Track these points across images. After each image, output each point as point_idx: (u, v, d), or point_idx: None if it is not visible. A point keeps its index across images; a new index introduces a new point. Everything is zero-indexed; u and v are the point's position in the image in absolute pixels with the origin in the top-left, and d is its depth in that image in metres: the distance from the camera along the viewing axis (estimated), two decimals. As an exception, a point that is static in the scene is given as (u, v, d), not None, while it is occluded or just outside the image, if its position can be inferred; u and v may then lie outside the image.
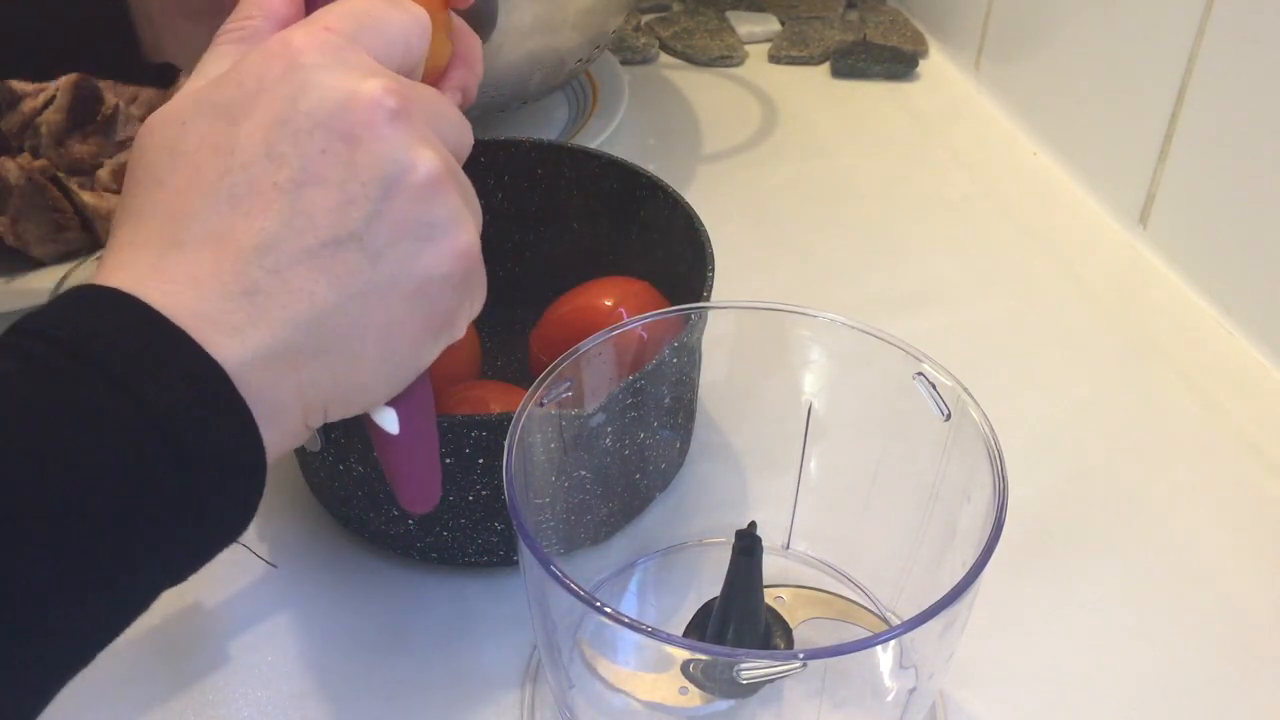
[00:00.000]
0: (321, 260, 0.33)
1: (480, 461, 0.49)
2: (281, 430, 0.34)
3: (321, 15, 0.36)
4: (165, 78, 0.53)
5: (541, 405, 0.46)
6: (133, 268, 0.32)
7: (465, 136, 0.39)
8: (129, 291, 0.31)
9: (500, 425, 0.45)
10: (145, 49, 0.50)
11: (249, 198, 0.33)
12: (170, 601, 0.53)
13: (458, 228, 0.35)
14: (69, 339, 0.30)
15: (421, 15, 0.38)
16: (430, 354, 0.37)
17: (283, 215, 0.33)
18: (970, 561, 0.39)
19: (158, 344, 0.31)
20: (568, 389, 0.47)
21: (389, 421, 0.39)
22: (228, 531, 0.34)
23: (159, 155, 0.34)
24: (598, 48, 0.80)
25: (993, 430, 0.43)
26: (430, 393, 0.41)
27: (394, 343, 0.35)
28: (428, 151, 0.35)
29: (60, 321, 0.31)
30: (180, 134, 0.34)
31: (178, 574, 0.33)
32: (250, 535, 0.56)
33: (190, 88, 0.36)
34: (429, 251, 0.35)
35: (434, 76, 0.44)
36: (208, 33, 0.49)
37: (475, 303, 0.38)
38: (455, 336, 0.38)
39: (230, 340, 0.32)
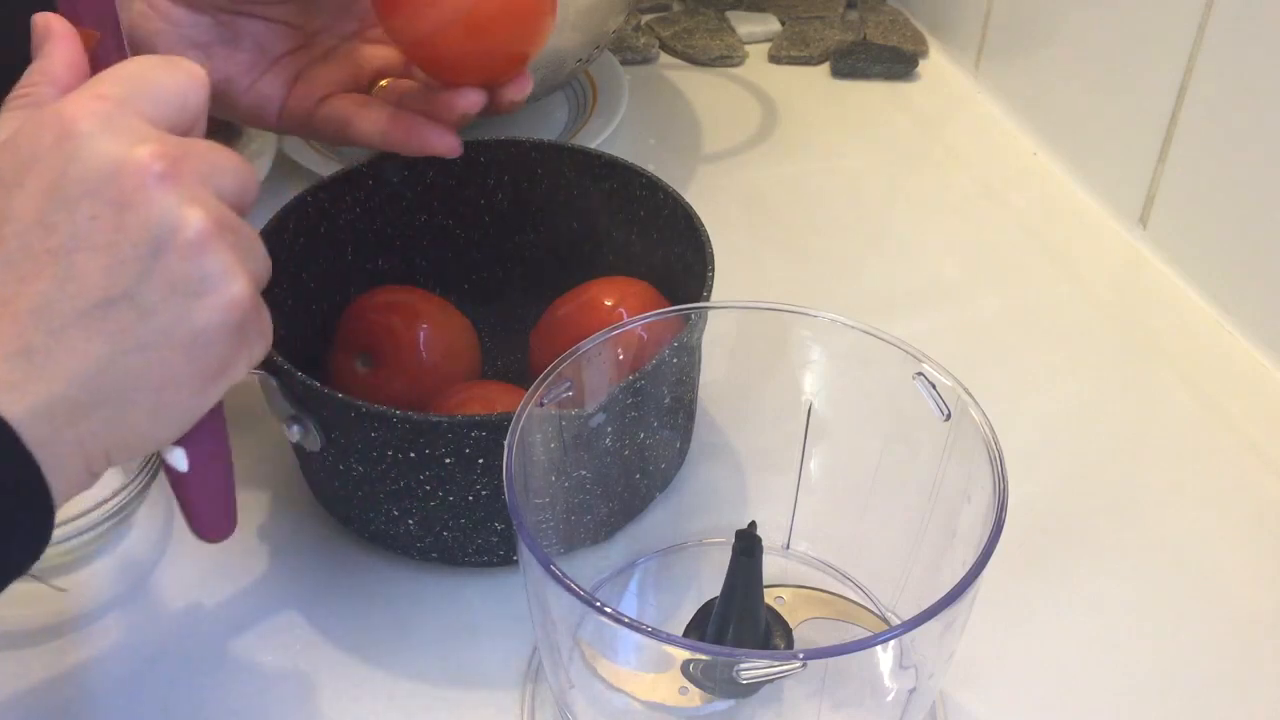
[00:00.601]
0: (95, 320, 0.35)
1: (480, 461, 0.49)
2: (65, 479, 0.35)
3: (95, 82, 0.38)
4: None
5: (541, 405, 0.46)
6: None
7: (248, 185, 0.40)
8: None
9: (500, 425, 0.45)
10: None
11: (24, 263, 0.34)
12: (170, 601, 0.53)
13: (228, 281, 0.37)
14: None
15: (197, 73, 0.40)
16: (209, 399, 0.39)
17: (56, 279, 0.34)
18: (970, 561, 0.39)
19: None
20: (568, 389, 0.47)
21: (178, 460, 0.41)
22: (15, 572, 0.35)
23: None
24: (598, 48, 0.80)
25: (993, 430, 0.43)
26: (221, 430, 0.43)
27: (171, 392, 0.37)
28: (195, 211, 0.36)
29: None
30: None
31: None
32: (250, 534, 0.57)
33: None
34: (200, 305, 0.36)
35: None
36: (217, 63, 0.50)
37: (257, 347, 0.40)
38: (234, 379, 0.39)
39: (8, 397, 0.33)
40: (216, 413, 0.41)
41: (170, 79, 0.39)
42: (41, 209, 0.35)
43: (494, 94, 0.51)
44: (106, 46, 0.41)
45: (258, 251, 0.39)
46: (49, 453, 0.34)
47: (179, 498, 0.43)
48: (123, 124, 0.36)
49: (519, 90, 0.51)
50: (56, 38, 0.40)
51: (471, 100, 0.51)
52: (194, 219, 0.36)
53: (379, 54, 0.53)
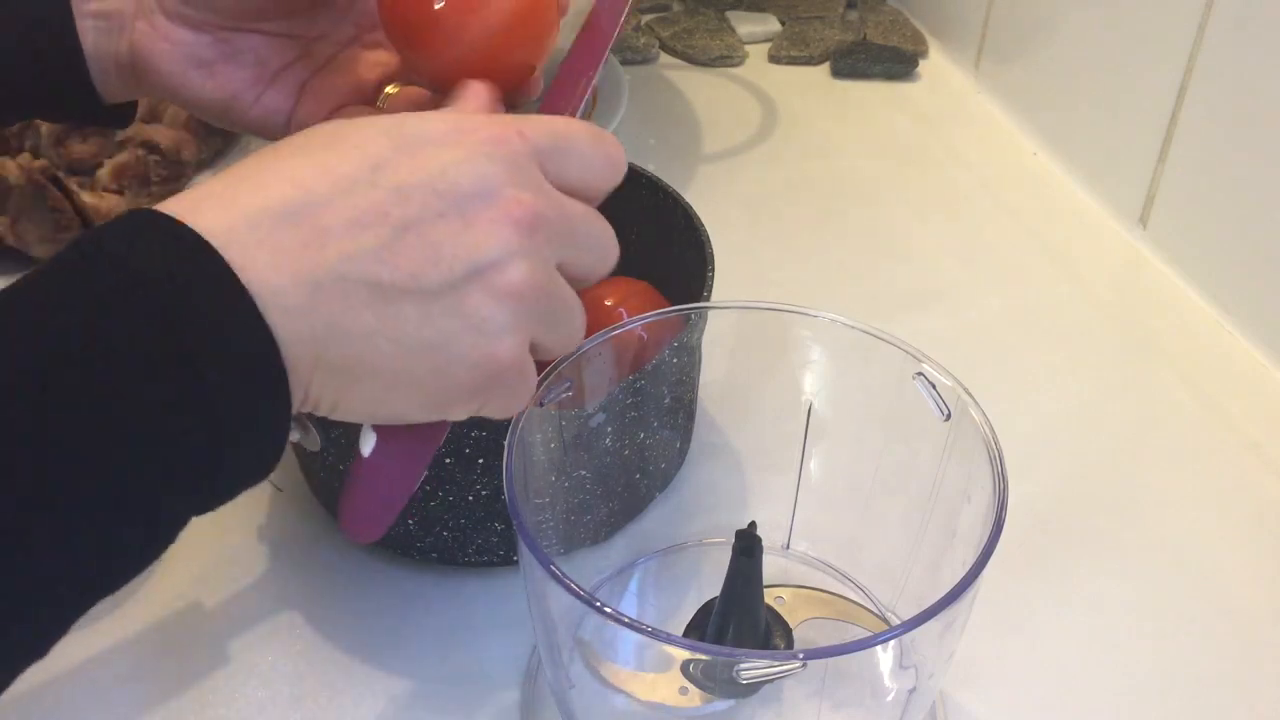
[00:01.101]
0: (381, 295, 0.35)
1: (480, 461, 0.49)
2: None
3: (524, 121, 0.39)
4: (122, 118, 0.54)
5: (541, 405, 0.46)
6: (230, 208, 0.34)
7: (605, 259, 0.41)
8: (213, 237, 0.33)
9: (500, 425, 0.45)
10: (101, 89, 0.51)
11: (364, 210, 0.35)
12: (170, 601, 0.53)
13: (503, 336, 0.37)
14: (151, 280, 0.32)
15: (616, 157, 0.41)
16: (421, 418, 0.39)
17: (379, 241, 0.35)
18: (970, 561, 0.39)
19: (226, 306, 0.33)
20: (568, 389, 0.47)
21: (366, 442, 0.41)
22: (255, 469, 0.36)
23: (320, 134, 0.37)
24: (598, 48, 0.80)
25: (993, 430, 0.43)
26: (428, 449, 0.42)
27: (396, 394, 0.37)
28: (525, 265, 0.37)
29: (145, 258, 0.33)
30: (349, 128, 0.37)
31: (205, 505, 0.35)
32: (250, 534, 0.57)
33: (389, 117, 0.39)
34: (468, 342, 0.37)
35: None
36: (221, 80, 0.50)
37: (496, 406, 0.40)
38: (453, 418, 0.40)
39: (281, 317, 0.34)
40: (429, 433, 0.41)
41: (590, 153, 0.40)
42: (407, 183, 0.36)
43: (506, 102, 0.52)
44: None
45: (564, 326, 0.40)
46: (290, 380, 0.35)
47: (347, 482, 0.42)
48: (521, 166, 0.38)
49: (532, 92, 0.51)
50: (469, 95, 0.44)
51: (535, 87, 0.52)
52: (518, 270, 0.37)
53: (380, 59, 0.53)
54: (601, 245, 0.41)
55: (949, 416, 0.46)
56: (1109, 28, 0.78)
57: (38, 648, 0.32)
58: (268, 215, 0.34)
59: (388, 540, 0.55)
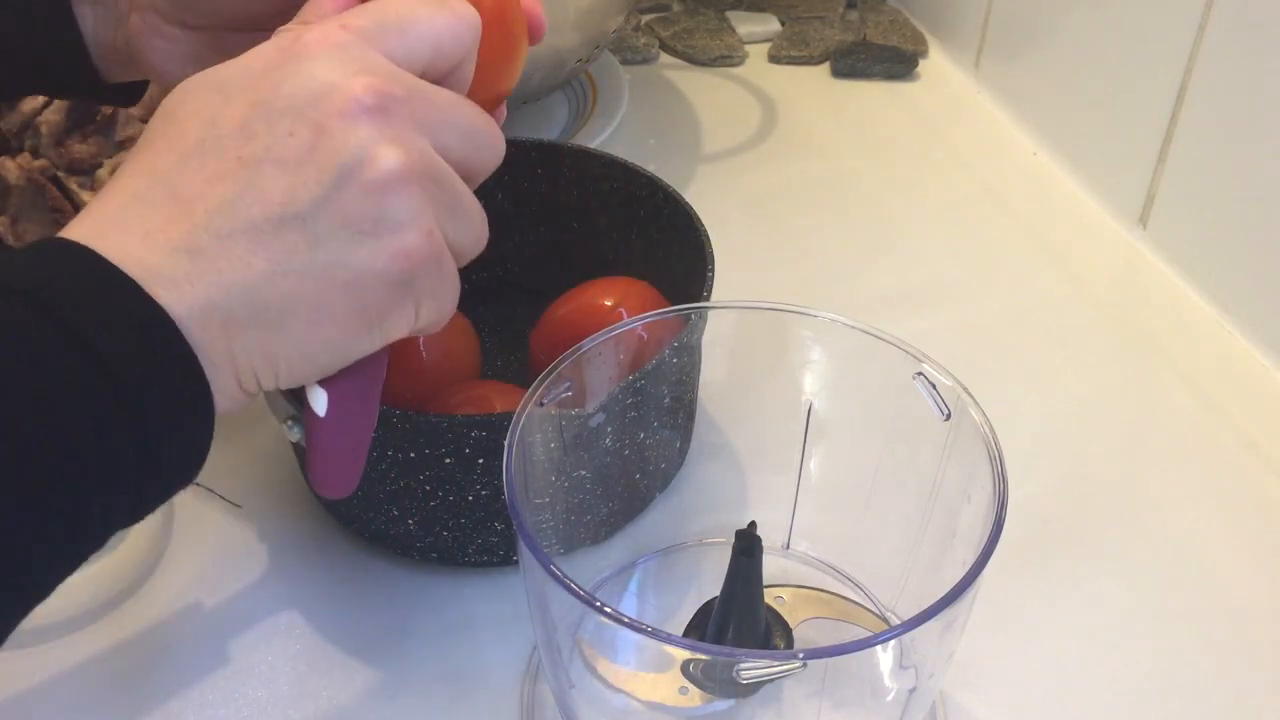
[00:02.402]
0: (263, 235, 0.34)
1: (480, 461, 0.49)
2: (219, 389, 0.35)
3: (351, 13, 0.37)
4: (132, 95, 0.53)
5: (541, 405, 0.46)
6: (96, 216, 0.35)
7: (486, 149, 0.39)
8: (84, 242, 0.33)
9: (500, 425, 0.45)
10: (104, 72, 0.51)
11: (215, 164, 0.35)
12: (170, 601, 0.53)
13: (403, 229, 0.36)
14: (24, 288, 0.32)
15: (467, 17, 0.39)
16: (361, 345, 0.38)
17: (238, 186, 0.34)
18: (970, 561, 0.39)
19: (107, 292, 0.33)
20: (568, 389, 0.47)
21: (318, 401, 0.40)
22: (181, 476, 0.35)
23: (159, 120, 0.37)
24: (598, 48, 0.80)
25: (993, 430, 0.43)
26: (371, 388, 0.41)
27: (322, 327, 0.36)
28: (391, 150, 0.35)
29: (19, 271, 0.32)
30: (181, 102, 0.37)
31: (131, 518, 0.35)
32: (250, 534, 0.57)
33: (219, 65, 0.38)
34: (368, 246, 0.35)
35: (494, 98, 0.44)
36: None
37: (426, 309, 0.38)
38: (391, 336, 0.38)
39: (169, 293, 0.33)
40: (371, 370, 0.40)
41: (429, 20, 0.38)
42: (246, 117, 0.35)
43: None
44: None
45: (464, 218, 0.38)
46: (204, 357, 0.34)
47: (308, 443, 0.41)
48: (355, 54, 0.36)
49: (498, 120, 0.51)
50: None
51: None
52: (386, 158, 0.35)
53: None
54: (471, 124, 0.39)
55: (949, 416, 0.46)
56: (1109, 28, 0.78)
57: None
58: (130, 204, 0.34)
59: (388, 540, 0.55)
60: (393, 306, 0.37)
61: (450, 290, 0.39)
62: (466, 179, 0.39)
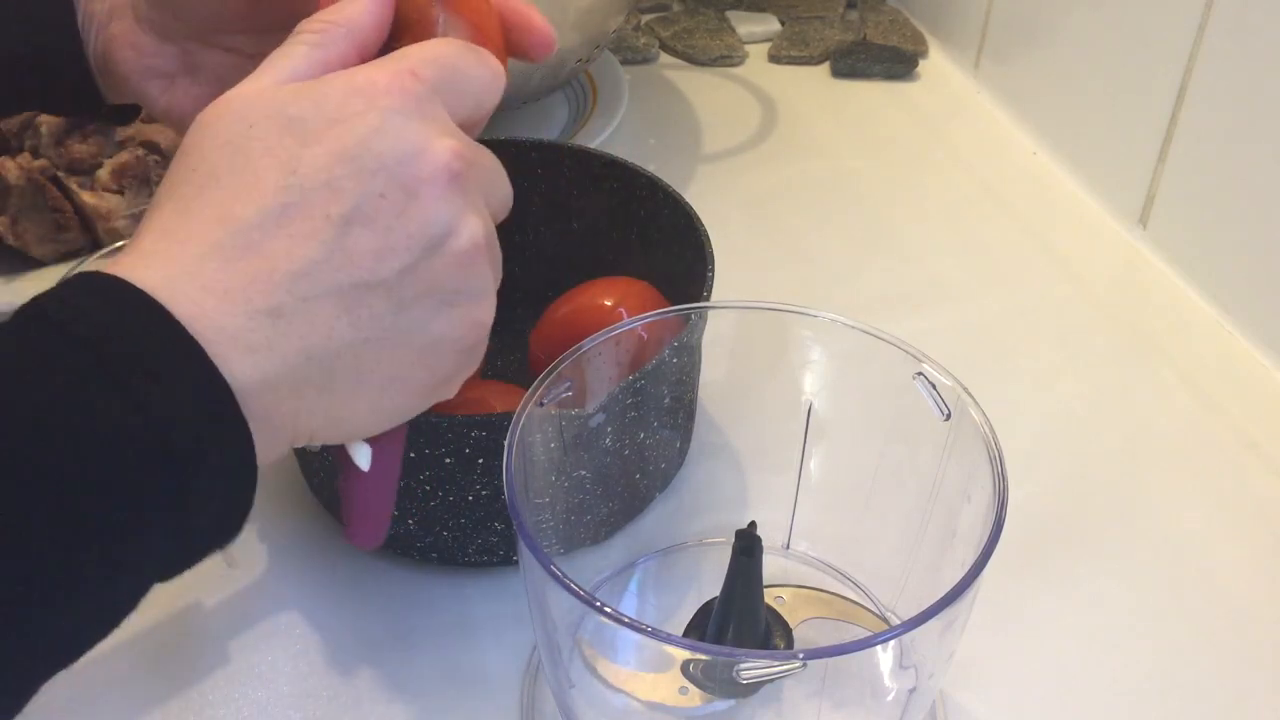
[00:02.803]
0: (349, 299, 0.34)
1: (480, 461, 0.49)
2: (271, 449, 0.34)
3: (408, 58, 0.36)
4: (124, 116, 0.53)
5: (541, 405, 0.46)
6: (167, 262, 0.32)
7: (508, 201, 0.40)
8: (155, 292, 0.31)
9: (500, 425, 0.45)
10: (104, 93, 0.51)
11: (299, 220, 0.33)
12: (170, 601, 0.53)
13: (481, 299, 0.36)
14: (87, 337, 0.30)
15: (499, 72, 0.39)
16: (422, 406, 0.38)
17: (326, 246, 0.33)
18: (970, 561, 0.39)
19: (170, 353, 0.31)
20: (568, 389, 0.47)
21: (363, 458, 0.40)
22: (216, 541, 0.34)
23: (221, 150, 0.34)
24: (598, 48, 0.80)
25: (993, 430, 0.43)
26: (404, 438, 0.42)
27: (393, 393, 0.36)
28: (475, 220, 0.36)
29: (77, 314, 0.31)
30: (246, 135, 0.34)
31: (163, 576, 0.33)
32: (250, 534, 0.57)
33: (260, 85, 0.36)
34: (449, 315, 0.36)
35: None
36: (178, 95, 0.49)
37: (472, 369, 0.39)
38: (448, 396, 0.39)
39: (245, 359, 0.32)
40: (404, 425, 0.40)
41: (478, 74, 0.38)
42: (334, 171, 0.34)
43: None
44: (424, 15, 0.40)
45: (500, 269, 0.39)
46: (265, 423, 0.33)
47: (346, 497, 0.41)
48: (431, 112, 0.36)
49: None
50: None
51: None
52: (472, 229, 0.35)
53: None
54: (503, 179, 0.39)
55: (949, 416, 0.46)
56: (1109, 28, 0.78)
57: None
58: (206, 260, 0.32)
59: (388, 540, 0.55)
60: (457, 370, 0.37)
61: (485, 348, 0.39)
62: (497, 220, 0.39)
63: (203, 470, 0.31)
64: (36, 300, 0.32)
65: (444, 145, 0.35)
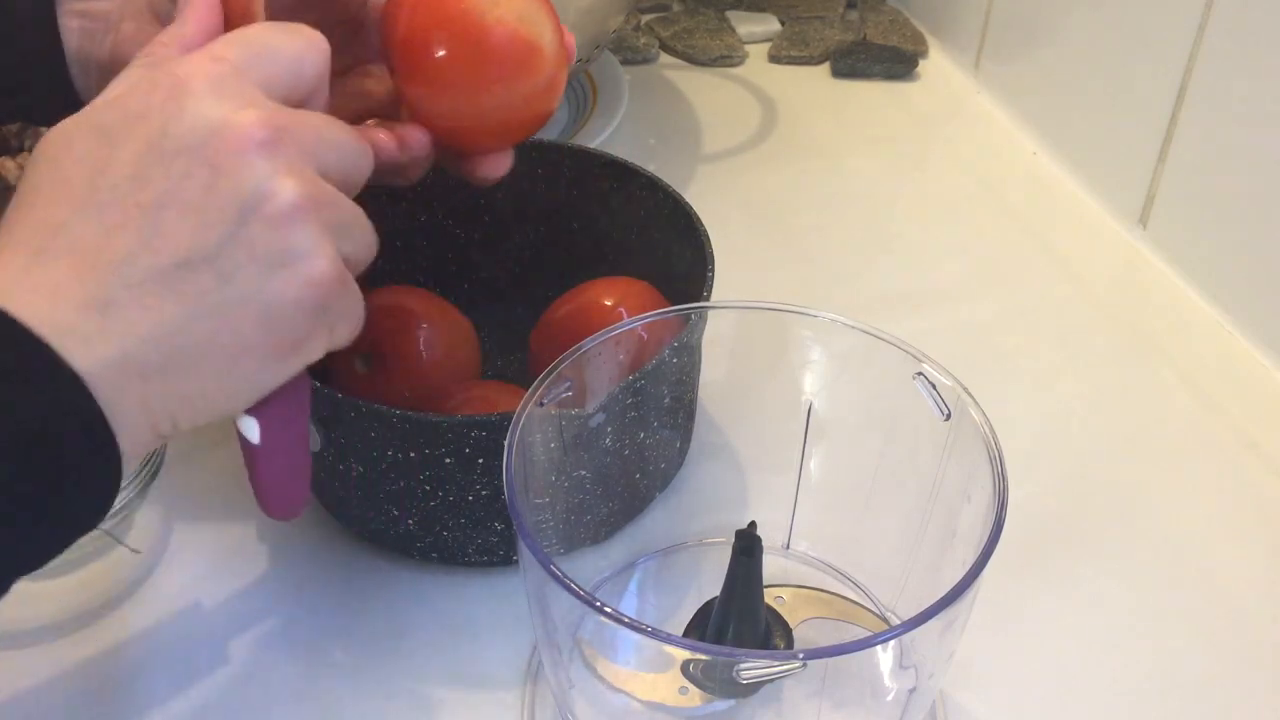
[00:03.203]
0: (173, 280, 0.35)
1: (480, 461, 0.49)
2: (130, 436, 0.35)
3: (216, 44, 0.38)
4: None
5: (541, 405, 0.46)
6: (1, 275, 0.34)
7: (359, 163, 0.40)
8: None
9: (500, 425, 0.45)
10: (82, 91, 0.50)
11: (114, 214, 0.35)
12: (170, 601, 0.53)
13: (310, 257, 0.36)
14: None
15: (318, 41, 0.40)
16: (280, 373, 0.38)
17: (141, 234, 0.35)
18: (970, 561, 0.39)
19: (15, 352, 0.33)
20: (568, 389, 0.47)
21: (250, 430, 0.40)
22: (83, 527, 0.36)
23: (42, 167, 0.37)
24: (598, 48, 0.80)
25: (993, 430, 0.43)
26: (300, 406, 0.42)
27: (239, 363, 0.36)
28: (289, 181, 0.36)
29: None
30: (64, 149, 0.36)
31: (32, 566, 0.35)
32: (250, 534, 0.57)
33: (88, 107, 0.38)
34: (279, 278, 0.36)
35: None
36: None
37: (340, 329, 0.39)
38: (309, 359, 0.39)
39: (80, 349, 0.33)
40: (297, 388, 0.40)
41: (289, 45, 0.39)
42: (139, 163, 0.35)
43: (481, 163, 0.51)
44: (248, 11, 0.41)
45: (357, 233, 0.39)
46: (115, 409, 0.34)
47: (249, 470, 0.41)
48: (234, 88, 0.36)
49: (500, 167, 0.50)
50: (196, 4, 0.41)
51: (503, 165, 0.51)
52: (285, 190, 0.36)
53: (366, 88, 0.51)
54: (344, 140, 0.39)
55: (949, 416, 0.46)
56: (1109, 28, 0.78)
57: None
58: (33, 261, 0.34)
59: (388, 540, 0.55)
60: (308, 333, 0.38)
61: (357, 305, 0.39)
62: (345, 191, 0.39)
63: (64, 461, 0.33)
64: None
65: (246, 116, 0.36)
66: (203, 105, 0.36)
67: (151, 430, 0.36)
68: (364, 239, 0.40)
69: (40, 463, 0.33)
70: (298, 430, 0.42)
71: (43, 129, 0.76)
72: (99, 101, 0.37)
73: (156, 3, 0.49)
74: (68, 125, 0.37)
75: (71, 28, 0.48)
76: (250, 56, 0.38)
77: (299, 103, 0.39)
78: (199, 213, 0.35)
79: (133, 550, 0.54)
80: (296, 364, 0.38)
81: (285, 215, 0.36)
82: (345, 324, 0.39)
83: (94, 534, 0.52)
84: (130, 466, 0.36)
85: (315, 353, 0.38)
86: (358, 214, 0.39)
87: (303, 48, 0.39)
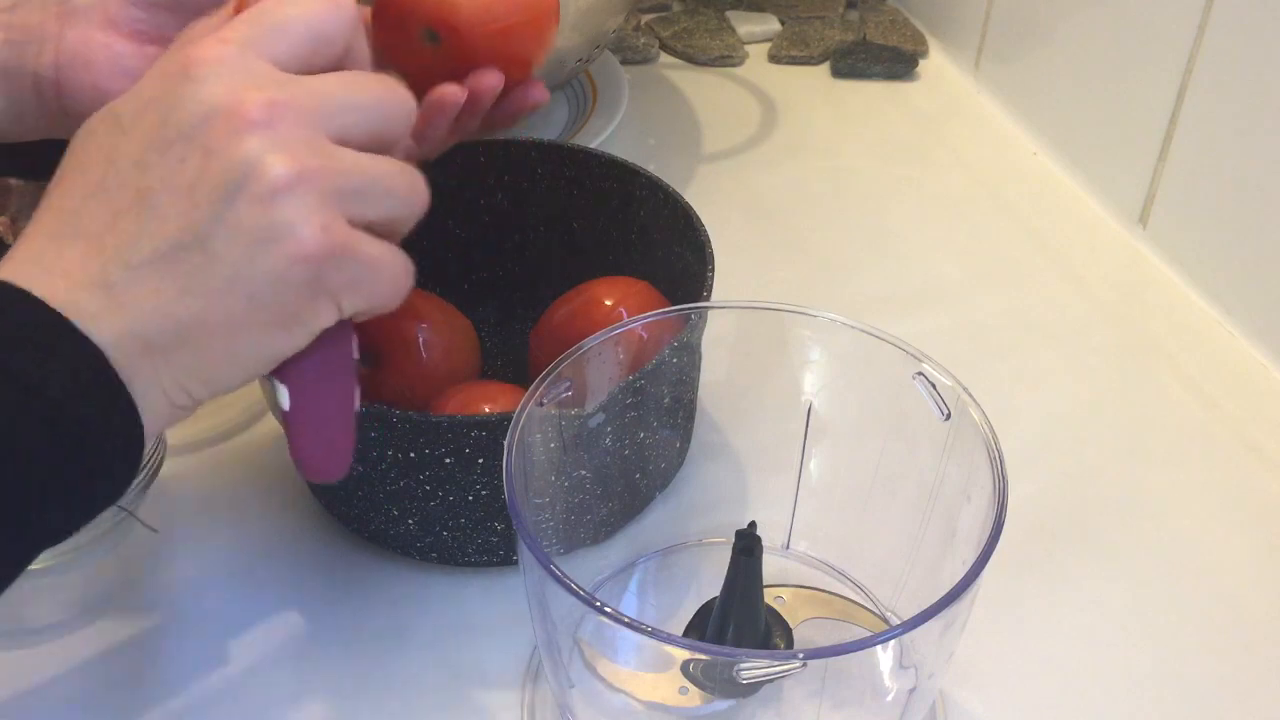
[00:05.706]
0: (168, 261, 0.36)
1: (480, 461, 0.49)
2: (149, 410, 0.37)
3: (226, 26, 0.38)
4: (31, 166, 0.55)
5: (541, 405, 0.46)
6: (21, 259, 0.37)
7: (391, 116, 0.40)
8: (10, 280, 0.35)
9: (500, 425, 0.45)
10: (8, 127, 0.50)
11: (119, 199, 0.36)
12: (171, 601, 0.53)
13: (298, 230, 0.36)
14: None
15: (341, 3, 0.39)
16: (286, 344, 0.38)
17: (140, 218, 0.36)
18: (970, 561, 0.39)
19: (37, 328, 0.35)
20: (568, 389, 0.47)
21: (281, 397, 0.40)
22: (110, 496, 0.37)
23: (68, 157, 0.39)
24: (598, 48, 0.80)
25: (993, 430, 0.43)
26: (340, 368, 0.41)
27: (239, 338, 0.37)
28: (278, 157, 0.36)
29: None
30: (87, 137, 0.38)
31: (60, 537, 0.37)
32: (251, 534, 0.57)
33: (121, 96, 0.39)
34: (268, 254, 0.36)
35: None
36: None
37: (352, 295, 0.39)
38: (314, 330, 0.39)
39: (93, 325, 0.35)
40: (335, 349, 0.40)
41: (298, 12, 0.39)
42: (143, 149, 0.37)
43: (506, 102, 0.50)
44: None
45: (379, 194, 0.39)
46: (131, 381, 0.36)
47: (289, 435, 0.42)
48: (239, 68, 0.37)
49: (536, 97, 0.50)
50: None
51: (538, 90, 0.50)
52: (273, 167, 0.36)
53: None
54: (370, 98, 0.39)
55: (949, 416, 0.46)
56: (1109, 28, 0.78)
57: None
58: (47, 245, 0.36)
59: (388, 540, 0.55)
60: (305, 305, 0.38)
61: (374, 272, 0.39)
62: (383, 148, 0.39)
63: (92, 433, 0.35)
64: None
65: (245, 98, 0.36)
66: (202, 91, 0.36)
67: (167, 402, 0.37)
68: (388, 200, 0.39)
69: (69, 432, 0.34)
70: (336, 393, 0.41)
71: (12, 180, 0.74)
72: (128, 91, 0.39)
73: (114, 11, 0.47)
74: (96, 115, 0.39)
75: None
76: (259, 33, 0.38)
77: (329, 66, 0.39)
78: (190, 196, 0.36)
79: (151, 529, 0.54)
80: (301, 334, 0.38)
81: (271, 191, 0.36)
82: (361, 291, 0.39)
83: (94, 535, 0.52)
84: (148, 440, 0.37)
85: (322, 322, 0.38)
86: (382, 174, 0.39)
87: (314, 11, 0.39)
